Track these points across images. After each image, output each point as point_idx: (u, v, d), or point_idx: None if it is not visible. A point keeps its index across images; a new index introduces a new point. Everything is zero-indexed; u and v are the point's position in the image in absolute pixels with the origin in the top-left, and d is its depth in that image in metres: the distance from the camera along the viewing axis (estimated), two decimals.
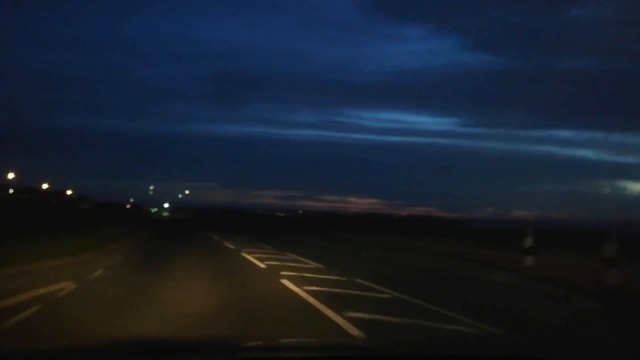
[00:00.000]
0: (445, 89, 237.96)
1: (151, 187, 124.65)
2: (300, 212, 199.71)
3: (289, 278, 11.61)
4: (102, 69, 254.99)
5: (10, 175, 77.81)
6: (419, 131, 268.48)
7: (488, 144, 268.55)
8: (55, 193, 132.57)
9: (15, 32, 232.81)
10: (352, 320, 7.12)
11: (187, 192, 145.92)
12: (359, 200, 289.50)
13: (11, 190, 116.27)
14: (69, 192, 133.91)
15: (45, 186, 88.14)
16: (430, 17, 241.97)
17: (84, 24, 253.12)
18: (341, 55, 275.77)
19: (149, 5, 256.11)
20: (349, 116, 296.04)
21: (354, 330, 6.58)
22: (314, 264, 15.56)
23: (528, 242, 16.45)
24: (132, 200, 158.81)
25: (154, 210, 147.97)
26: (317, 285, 10.50)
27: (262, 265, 14.69)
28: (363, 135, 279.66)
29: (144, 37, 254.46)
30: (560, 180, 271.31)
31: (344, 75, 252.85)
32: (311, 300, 8.84)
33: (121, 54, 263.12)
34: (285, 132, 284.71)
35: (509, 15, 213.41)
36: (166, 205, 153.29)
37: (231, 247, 22.52)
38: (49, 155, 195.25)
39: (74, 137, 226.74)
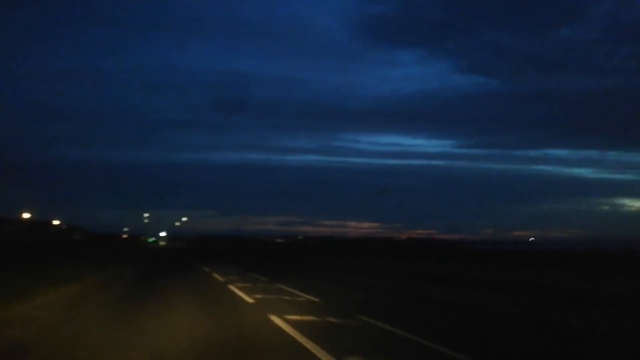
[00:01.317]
0: (441, 111, 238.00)
1: (145, 215, 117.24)
2: (300, 238, 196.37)
3: None
4: (99, 100, 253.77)
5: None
6: (416, 153, 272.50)
7: (484, 165, 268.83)
8: (44, 224, 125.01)
9: (13, 65, 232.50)
10: None
11: (184, 219, 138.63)
12: (358, 224, 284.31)
13: None
14: (56, 222, 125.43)
15: (26, 215, 78.65)
16: (424, 42, 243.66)
17: (80, 56, 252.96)
18: (337, 80, 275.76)
19: (146, 36, 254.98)
20: (346, 140, 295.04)
21: None
22: None
23: None
24: (126, 229, 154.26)
25: (151, 239, 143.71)
26: None
27: None
28: (361, 159, 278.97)
29: (141, 67, 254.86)
30: (557, 200, 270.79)
31: (341, 100, 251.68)
32: None
33: (117, 85, 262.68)
34: (284, 157, 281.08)
35: (500, 37, 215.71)
36: (163, 234, 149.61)
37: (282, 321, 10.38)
38: (45, 187, 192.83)
39: (70, 169, 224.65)
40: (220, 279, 22.61)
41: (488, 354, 7.98)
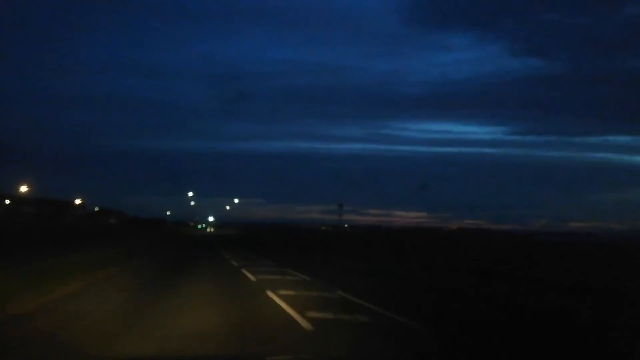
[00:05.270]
0: (494, 97, 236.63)
1: (190, 194, 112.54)
2: (346, 226, 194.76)
3: None
4: (150, 90, 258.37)
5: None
6: (467, 141, 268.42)
7: (539, 153, 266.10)
8: (67, 204, 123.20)
9: (61, 57, 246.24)
10: None
11: (236, 200, 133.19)
12: (405, 213, 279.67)
13: (7, 201, 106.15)
14: (78, 201, 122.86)
15: (23, 189, 73.04)
16: (477, 24, 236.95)
17: (128, 47, 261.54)
18: (386, 67, 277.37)
19: (194, 26, 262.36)
20: (394, 128, 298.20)
21: None
22: None
23: None
24: (169, 213, 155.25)
25: (200, 226, 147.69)
26: None
27: None
28: (409, 147, 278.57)
29: (190, 58, 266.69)
30: (618, 189, 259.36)
31: (389, 87, 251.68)
32: None
33: (167, 75, 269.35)
34: (331, 146, 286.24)
35: (559, 18, 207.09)
36: (211, 219, 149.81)
37: None
38: (96, 174, 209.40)
39: (125, 157, 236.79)
40: (253, 278, 16.99)
41: None
